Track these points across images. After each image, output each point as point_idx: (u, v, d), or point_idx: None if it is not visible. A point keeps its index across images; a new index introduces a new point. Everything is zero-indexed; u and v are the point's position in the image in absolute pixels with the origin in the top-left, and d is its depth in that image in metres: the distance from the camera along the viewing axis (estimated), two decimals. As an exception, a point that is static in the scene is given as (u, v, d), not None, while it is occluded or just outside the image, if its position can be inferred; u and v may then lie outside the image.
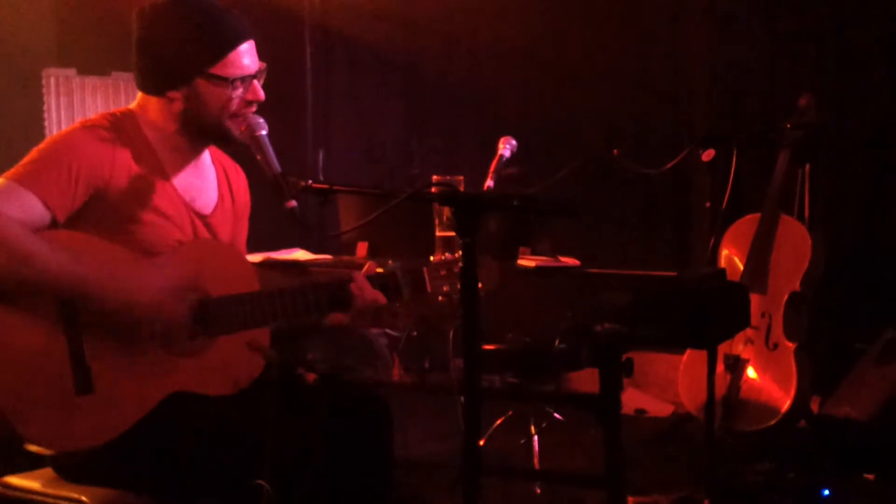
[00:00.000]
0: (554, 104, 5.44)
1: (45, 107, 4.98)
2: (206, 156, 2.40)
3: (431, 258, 2.41)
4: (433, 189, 2.00)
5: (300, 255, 3.57)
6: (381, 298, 2.31)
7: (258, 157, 2.20)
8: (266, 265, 3.40)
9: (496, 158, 2.98)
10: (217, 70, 2.20)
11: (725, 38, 5.04)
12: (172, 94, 2.22)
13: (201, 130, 2.27)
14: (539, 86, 5.47)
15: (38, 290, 2.01)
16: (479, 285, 2.29)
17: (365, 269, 2.33)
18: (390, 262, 2.34)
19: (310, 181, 2.15)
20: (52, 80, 4.95)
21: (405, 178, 5.55)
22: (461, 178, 3.60)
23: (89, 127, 2.20)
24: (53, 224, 2.11)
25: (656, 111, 5.26)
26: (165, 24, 2.22)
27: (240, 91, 2.23)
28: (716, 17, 5.07)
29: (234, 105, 2.23)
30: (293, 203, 2.15)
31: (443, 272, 2.38)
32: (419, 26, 5.67)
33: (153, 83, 2.25)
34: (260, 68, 2.28)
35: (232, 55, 2.22)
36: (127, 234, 2.16)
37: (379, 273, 2.33)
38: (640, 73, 5.29)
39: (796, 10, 4.84)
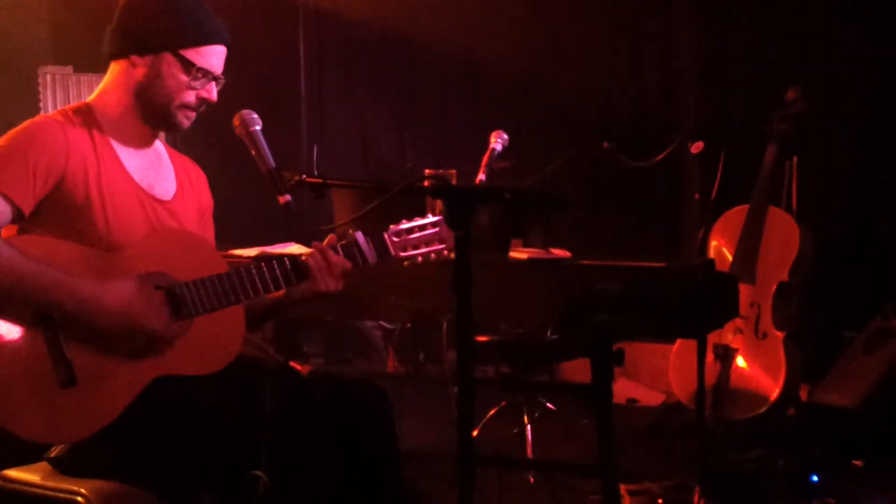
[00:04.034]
0: (545, 98, 5.46)
1: (41, 104, 4.96)
2: (161, 149, 2.43)
3: (391, 225, 2.43)
4: (426, 182, 2.01)
5: (295, 249, 3.60)
6: (344, 262, 2.33)
7: (253, 153, 2.23)
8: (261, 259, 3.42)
9: (488, 152, 2.99)
10: (188, 54, 2.25)
11: (715, 32, 5.07)
12: (137, 59, 2.26)
13: (151, 109, 2.29)
14: (531, 80, 5.49)
15: (11, 297, 2.02)
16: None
17: (326, 241, 2.36)
18: (350, 230, 2.36)
19: (304, 176, 2.18)
20: (49, 78, 4.92)
21: (398, 171, 5.56)
22: (453, 171, 3.64)
23: (44, 119, 2.24)
24: (19, 217, 2.13)
25: (646, 104, 5.28)
26: None
27: (198, 83, 2.27)
28: (706, 10, 5.09)
29: (188, 96, 2.28)
30: (288, 197, 2.19)
31: (407, 236, 2.40)
32: (412, 22, 5.69)
33: (125, 43, 2.28)
34: (221, 77, 2.32)
35: (207, 49, 2.27)
36: (89, 222, 2.18)
37: (341, 244, 2.35)
38: (631, 66, 5.32)
39: (786, 4, 4.88)
